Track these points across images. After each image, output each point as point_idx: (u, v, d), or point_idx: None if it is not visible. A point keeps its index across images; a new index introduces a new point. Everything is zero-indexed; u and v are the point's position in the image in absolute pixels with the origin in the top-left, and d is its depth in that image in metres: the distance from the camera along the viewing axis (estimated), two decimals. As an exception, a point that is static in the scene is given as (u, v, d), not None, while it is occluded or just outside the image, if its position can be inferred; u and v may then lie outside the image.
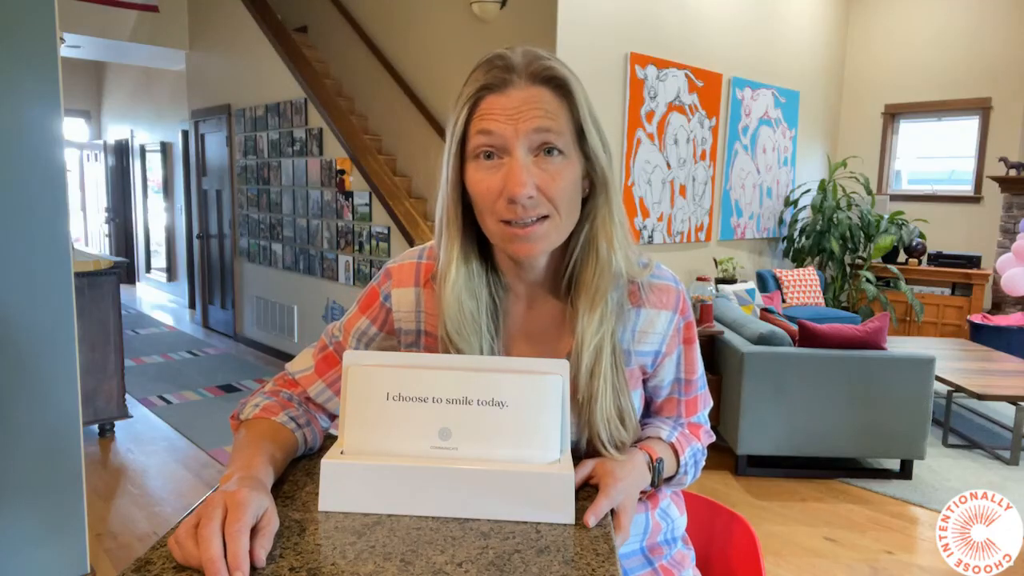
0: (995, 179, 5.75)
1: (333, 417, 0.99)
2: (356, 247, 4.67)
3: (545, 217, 0.82)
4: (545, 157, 0.81)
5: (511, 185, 0.79)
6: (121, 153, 9.00)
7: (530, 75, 0.81)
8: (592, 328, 0.87)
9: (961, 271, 5.80)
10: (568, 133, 0.82)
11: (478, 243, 0.91)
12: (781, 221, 6.16)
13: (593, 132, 0.84)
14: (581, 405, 0.88)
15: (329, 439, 0.97)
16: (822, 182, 6.08)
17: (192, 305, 7.50)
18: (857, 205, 5.93)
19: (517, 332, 0.94)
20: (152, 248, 8.63)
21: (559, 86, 0.82)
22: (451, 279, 0.87)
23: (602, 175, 0.86)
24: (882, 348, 3.24)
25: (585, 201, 0.88)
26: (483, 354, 0.89)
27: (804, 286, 5.68)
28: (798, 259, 6.04)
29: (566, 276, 0.91)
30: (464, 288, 0.88)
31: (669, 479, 0.97)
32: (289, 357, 5.19)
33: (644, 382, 0.98)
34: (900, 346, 4.03)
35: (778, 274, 5.67)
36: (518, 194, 0.79)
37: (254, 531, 0.66)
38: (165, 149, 7.78)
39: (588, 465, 0.85)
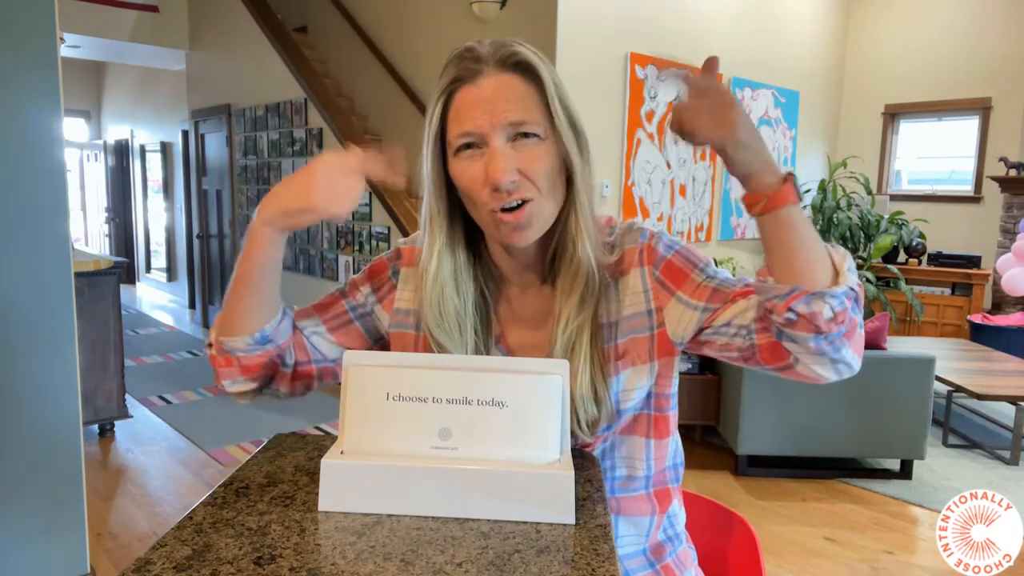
0: (995, 179, 5.75)
1: (307, 357, 0.99)
2: (356, 247, 4.67)
3: (530, 200, 0.84)
4: (523, 140, 0.83)
5: (493, 173, 0.81)
6: (121, 153, 9.00)
7: (498, 62, 0.84)
8: (571, 309, 0.88)
9: (961, 271, 5.79)
10: (542, 117, 0.84)
11: (465, 237, 0.92)
12: (781, 221, 6.15)
13: (561, 116, 0.85)
14: None
15: (329, 439, 0.97)
16: (822, 182, 6.08)
17: (192, 305, 7.50)
18: (857, 205, 5.92)
19: (510, 318, 0.96)
20: (152, 248, 8.63)
21: (527, 70, 0.84)
22: (432, 271, 0.89)
23: (570, 160, 0.87)
24: (882, 348, 3.24)
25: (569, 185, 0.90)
26: (467, 352, 0.91)
27: (804, 286, 5.66)
28: (798, 259, 6.02)
29: (550, 258, 0.92)
30: (448, 281, 0.90)
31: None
32: (289, 357, 5.18)
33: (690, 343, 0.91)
34: (900, 346, 4.03)
35: (778, 274, 5.66)
36: (500, 181, 0.81)
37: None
38: (165, 149, 7.78)
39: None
